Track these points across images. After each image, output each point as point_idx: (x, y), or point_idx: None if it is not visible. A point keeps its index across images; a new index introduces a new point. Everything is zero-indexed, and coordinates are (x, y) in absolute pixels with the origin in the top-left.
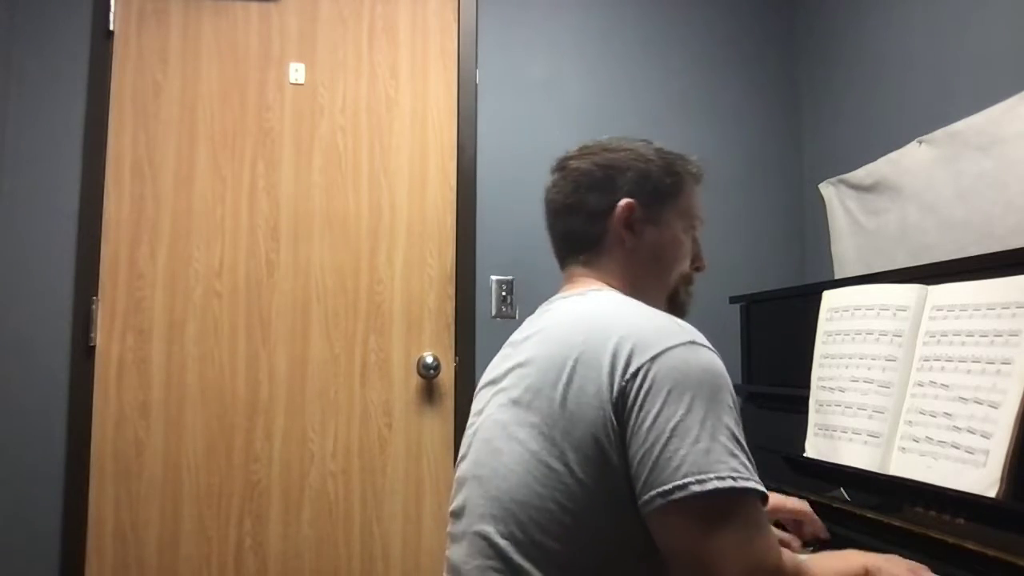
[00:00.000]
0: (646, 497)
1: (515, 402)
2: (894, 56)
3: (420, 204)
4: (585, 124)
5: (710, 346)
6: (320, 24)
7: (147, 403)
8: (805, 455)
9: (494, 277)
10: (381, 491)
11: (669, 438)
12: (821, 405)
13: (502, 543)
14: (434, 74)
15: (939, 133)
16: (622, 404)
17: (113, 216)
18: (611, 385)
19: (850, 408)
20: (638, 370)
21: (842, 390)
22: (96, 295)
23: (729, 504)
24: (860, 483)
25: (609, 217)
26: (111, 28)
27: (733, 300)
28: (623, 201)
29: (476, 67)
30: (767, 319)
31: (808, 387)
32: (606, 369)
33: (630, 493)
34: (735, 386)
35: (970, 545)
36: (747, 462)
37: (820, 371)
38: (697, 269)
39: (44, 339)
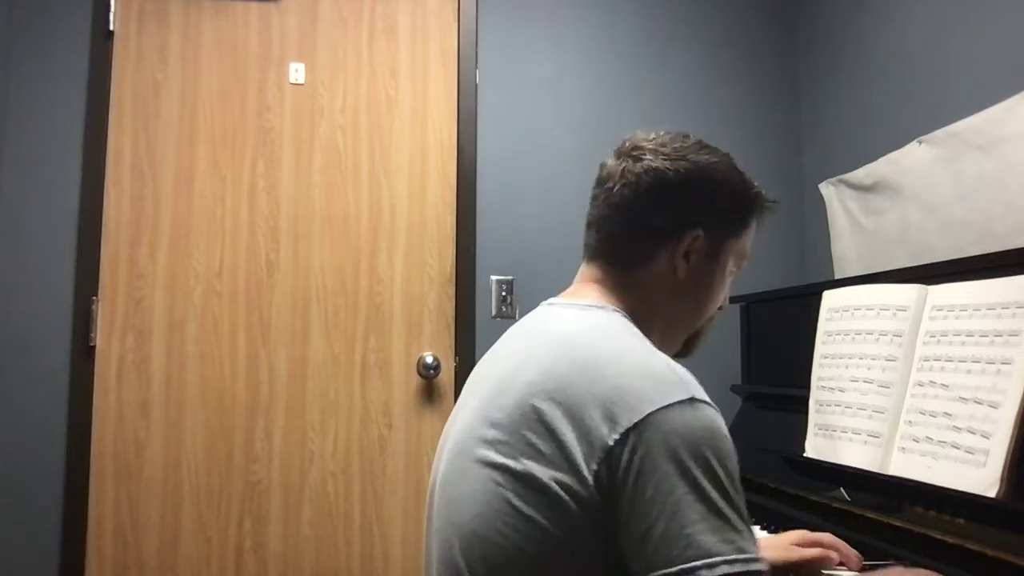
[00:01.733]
0: None
1: (488, 422)
2: (894, 56)
3: (420, 204)
4: (585, 124)
5: (710, 401)
6: (320, 24)
7: (147, 403)
8: (805, 455)
9: (494, 277)
10: (381, 491)
11: (672, 514)
12: (821, 405)
13: (457, 571)
14: (434, 74)
15: (939, 133)
16: (610, 468)
17: (113, 216)
18: (594, 443)
19: (850, 408)
20: (628, 432)
21: (842, 390)
22: (96, 295)
23: None
24: (860, 483)
25: (671, 240)
26: (111, 28)
27: (733, 300)
28: (696, 232)
29: (476, 67)
30: (767, 319)
31: (808, 387)
32: (592, 423)
33: (598, 549)
34: (735, 386)
35: (970, 545)
36: (751, 536)
37: (820, 371)
38: (720, 309)
39: (44, 339)
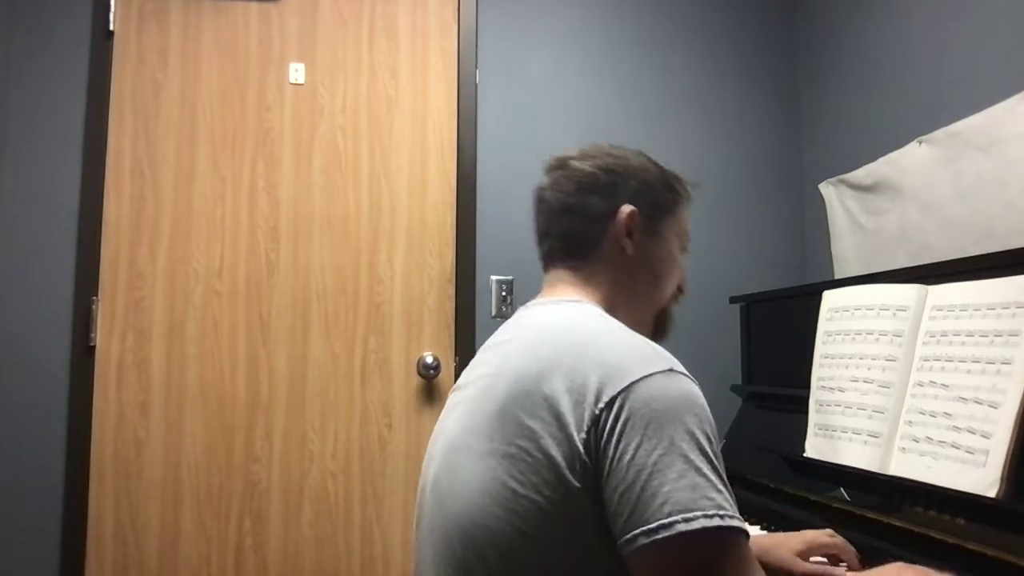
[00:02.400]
0: (627, 536)
1: (479, 413)
2: (894, 56)
3: (420, 204)
4: (585, 124)
5: (688, 374)
6: (320, 24)
7: (147, 403)
8: (805, 455)
9: (494, 277)
10: (381, 491)
11: (651, 473)
12: (821, 405)
13: (464, 565)
14: (434, 74)
15: (939, 133)
16: (595, 435)
17: (113, 216)
18: (582, 413)
19: (850, 408)
20: (613, 399)
21: (842, 390)
22: (96, 295)
23: (717, 544)
24: (860, 483)
25: (609, 222)
26: (111, 28)
27: (733, 300)
28: (626, 207)
29: (476, 67)
30: (767, 319)
31: (808, 387)
32: (576, 395)
33: (595, 525)
34: (735, 386)
35: (970, 545)
36: (730, 497)
37: (820, 371)
38: (680, 292)
39: (44, 339)
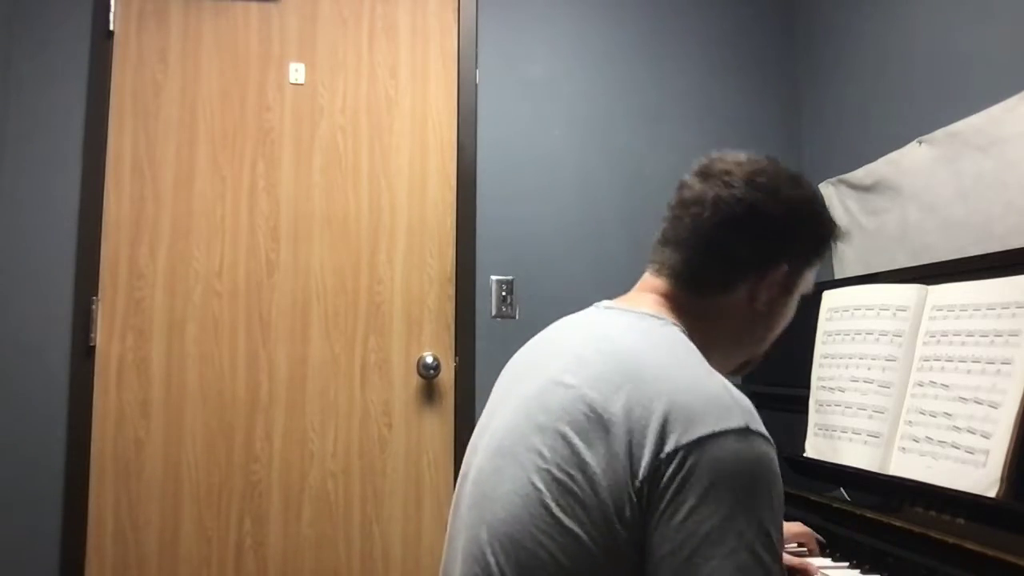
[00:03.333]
0: None
1: (530, 422)
2: (894, 56)
3: (420, 204)
4: (585, 124)
5: (766, 433)
6: (320, 24)
7: (147, 403)
8: (805, 455)
9: (494, 277)
10: (381, 491)
11: (700, 544)
12: (821, 405)
13: (491, 572)
14: (434, 74)
15: (939, 133)
16: (652, 484)
17: (113, 216)
18: (639, 456)
19: (850, 408)
20: (676, 451)
21: (842, 390)
22: (96, 295)
23: None
24: (860, 483)
25: (752, 273)
26: (111, 28)
27: None
28: (782, 268)
29: (476, 67)
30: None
31: (808, 387)
32: (640, 438)
33: (632, 570)
34: (734, 386)
35: (970, 545)
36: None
37: (820, 371)
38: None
39: (44, 339)
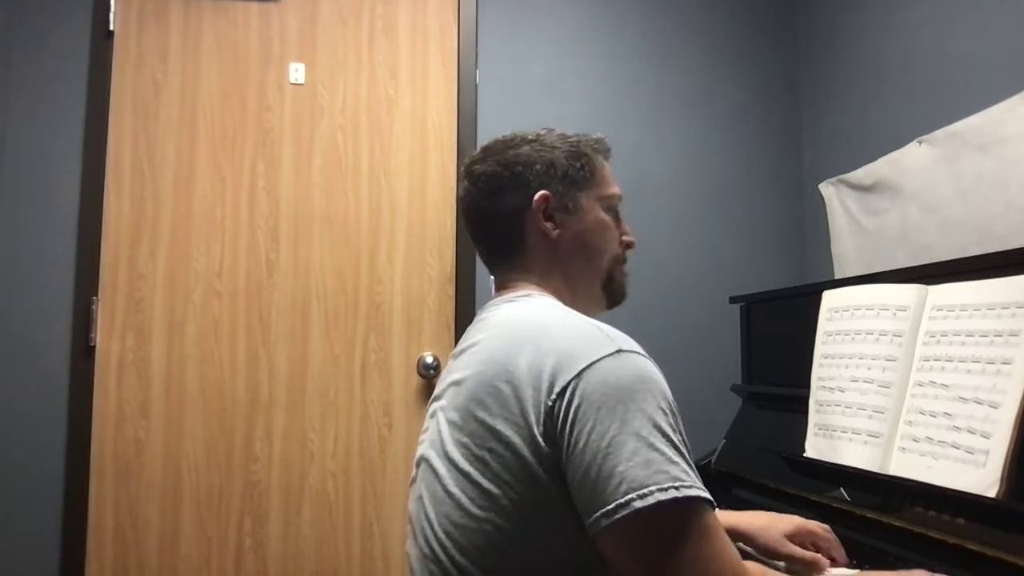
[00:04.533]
0: (590, 520)
1: (450, 422)
2: (894, 56)
3: (420, 204)
4: (585, 124)
5: (640, 351)
6: (320, 24)
7: (147, 403)
8: (805, 455)
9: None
10: (381, 491)
11: (606, 455)
12: (821, 405)
13: (451, 569)
14: (434, 74)
15: (939, 133)
16: (551, 425)
17: (113, 216)
18: (537, 405)
19: (850, 408)
20: (564, 388)
21: (842, 390)
22: (96, 295)
23: (677, 516)
24: (860, 483)
25: (526, 214)
26: (111, 28)
27: (733, 300)
28: (537, 194)
29: (476, 67)
30: (767, 319)
31: (808, 387)
32: (530, 388)
33: (568, 514)
34: (735, 386)
35: (970, 545)
36: (689, 469)
37: (820, 371)
38: (628, 246)
39: (44, 339)
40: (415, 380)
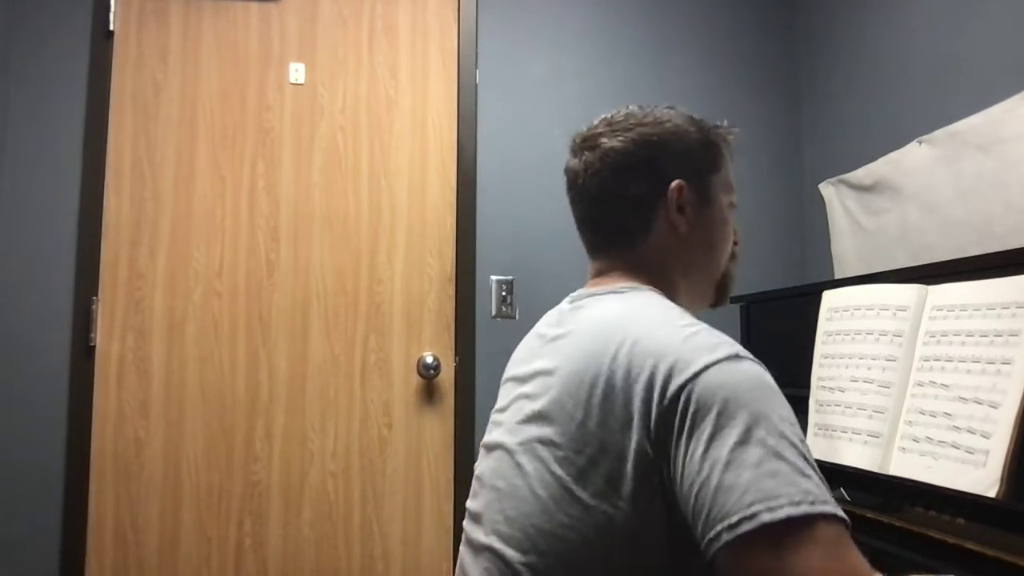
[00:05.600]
0: (711, 534)
1: (539, 415)
2: (894, 56)
3: (420, 204)
4: (585, 124)
5: (754, 358)
6: (320, 24)
7: (147, 403)
8: None
9: (494, 277)
10: (381, 491)
11: (728, 463)
12: (821, 405)
13: (522, 571)
14: (434, 74)
15: (939, 133)
16: (664, 432)
17: (113, 216)
18: (647, 411)
19: (850, 408)
20: (679, 392)
21: (842, 390)
22: (96, 295)
23: (807, 531)
24: (860, 483)
25: (658, 203)
26: (111, 28)
27: (733, 300)
28: (674, 184)
29: (476, 67)
30: (767, 319)
31: (808, 387)
32: (641, 393)
33: (665, 530)
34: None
35: (970, 545)
36: (820, 482)
37: (820, 371)
38: (735, 244)
39: (44, 339)
40: (415, 380)
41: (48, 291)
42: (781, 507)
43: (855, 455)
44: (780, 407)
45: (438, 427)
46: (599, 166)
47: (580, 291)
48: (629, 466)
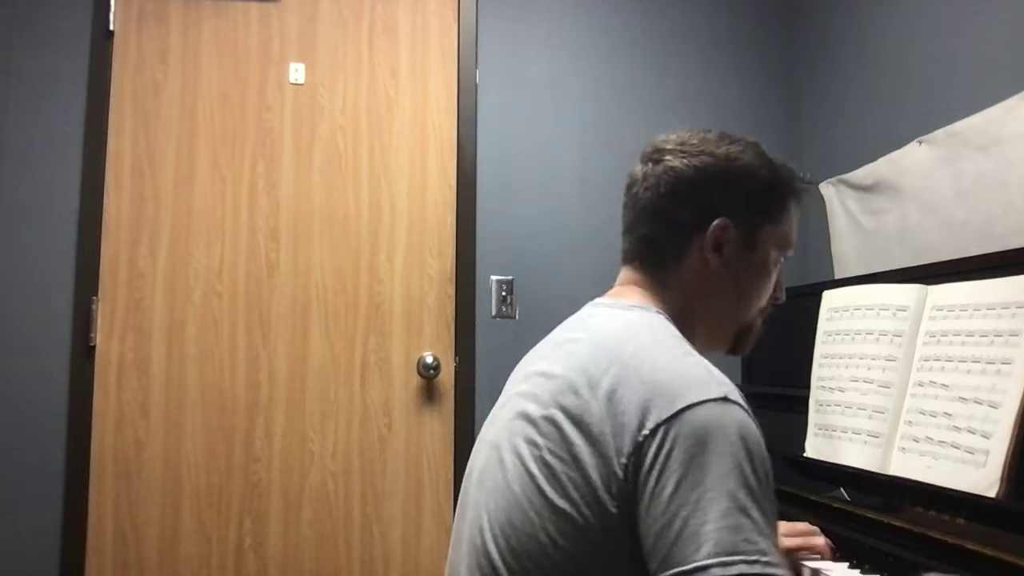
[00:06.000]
0: (663, 574)
1: (527, 415)
2: (894, 56)
3: (420, 204)
4: (585, 124)
5: (744, 404)
6: (320, 24)
7: (147, 403)
8: (805, 455)
9: (494, 277)
10: (381, 491)
11: (693, 510)
12: (821, 405)
13: (498, 563)
14: (434, 74)
15: (939, 133)
16: (636, 463)
17: (113, 216)
18: (623, 437)
19: (850, 408)
20: (658, 427)
21: (842, 390)
22: (96, 295)
23: None
24: (860, 483)
25: (698, 234)
26: (111, 28)
27: None
28: (718, 221)
29: (476, 67)
30: (767, 319)
31: (808, 387)
32: (620, 418)
33: (628, 549)
34: (735, 386)
35: (970, 545)
36: (775, 542)
37: (820, 371)
38: (775, 302)
39: (44, 339)
40: (415, 380)
41: (48, 291)
42: (735, 563)
43: (855, 455)
44: (756, 460)
45: (438, 427)
46: (655, 181)
47: (599, 299)
48: (599, 482)
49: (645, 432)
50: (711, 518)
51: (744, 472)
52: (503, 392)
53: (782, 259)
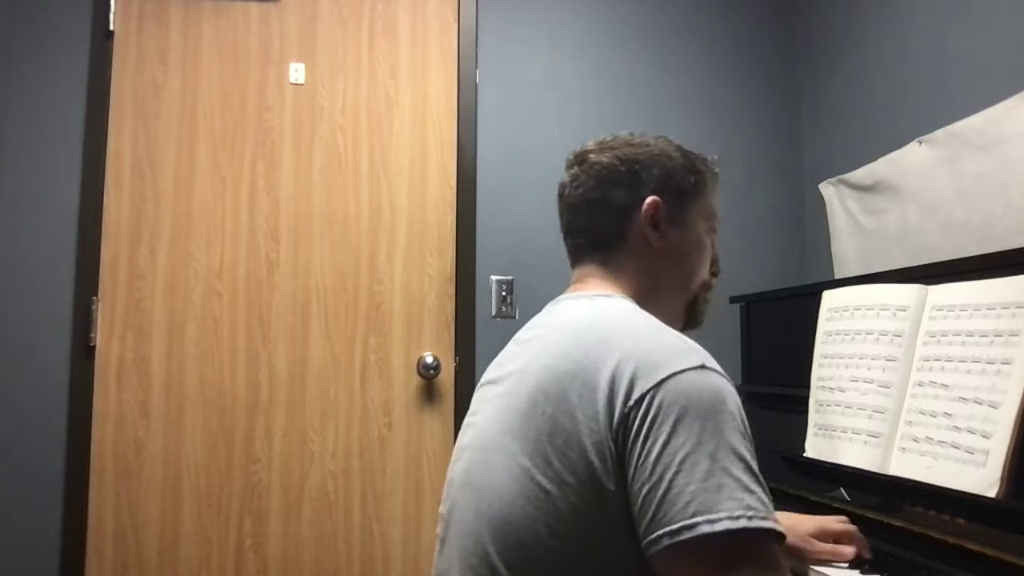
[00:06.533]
0: (651, 537)
1: (511, 411)
2: (894, 56)
3: (420, 204)
4: (585, 124)
5: (721, 371)
6: (320, 24)
7: (147, 403)
8: (805, 455)
9: (494, 277)
10: (381, 491)
11: (677, 472)
12: (821, 405)
13: (495, 562)
14: (434, 74)
15: (939, 133)
16: (624, 432)
17: (113, 216)
18: (611, 410)
19: (850, 408)
20: (643, 396)
21: (842, 390)
22: (96, 295)
23: (742, 545)
24: (860, 483)
25: (633, 214)
26: (111, 28)
27: (733, 300)
28: (650, 198)
29: (476, 67)
30: (767, 319)
31: (808, 387)
32: (606, 392)
33: (626, 526)
34: (734, 387)
35: (970, 545)
36: (764, 498)
37: (820, 371)
38: (714, 275)
39: (44, 339)
40: (415, 380)
41: (48, 291)
42: (720, 520)
43: (855, 455)
44: (736, 421)
45: (438, 427)
46: (584, 178)
47: (560, 296)
48: (593, 459)
49: (631, 403)
50: (695, 479)
51: (724, 432)
52: (473, 401)
53: (714, 233)
